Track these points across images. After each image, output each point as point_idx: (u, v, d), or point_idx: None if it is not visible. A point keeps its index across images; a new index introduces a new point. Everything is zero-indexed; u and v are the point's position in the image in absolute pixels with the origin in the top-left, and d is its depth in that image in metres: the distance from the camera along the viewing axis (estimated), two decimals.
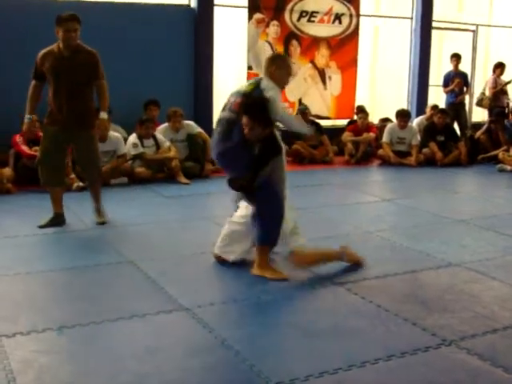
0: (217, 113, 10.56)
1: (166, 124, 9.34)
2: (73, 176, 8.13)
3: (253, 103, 4.67)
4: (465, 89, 12.35)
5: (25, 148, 8.23)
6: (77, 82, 6.01)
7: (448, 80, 12.15)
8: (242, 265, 4.98)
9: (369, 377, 3.27)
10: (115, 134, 8.76)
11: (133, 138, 8.88)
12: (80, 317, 3.97)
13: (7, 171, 8.15)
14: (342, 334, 3.78)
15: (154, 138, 8.97)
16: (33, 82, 6.13)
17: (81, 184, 8.04)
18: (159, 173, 8.86)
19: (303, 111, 10.89)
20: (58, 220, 6.32)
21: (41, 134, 8.43)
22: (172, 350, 3.56)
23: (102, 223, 6.34)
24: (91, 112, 6.21)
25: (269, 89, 4.73)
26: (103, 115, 6.27)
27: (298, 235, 4.84)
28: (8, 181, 7.94)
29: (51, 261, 5.18)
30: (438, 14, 12.94)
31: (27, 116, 6.19)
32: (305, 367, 3.33)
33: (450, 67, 12.24)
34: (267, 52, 11.24)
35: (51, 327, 3.81)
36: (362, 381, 3.22)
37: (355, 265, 4.98)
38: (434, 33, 12.92)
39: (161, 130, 9.25)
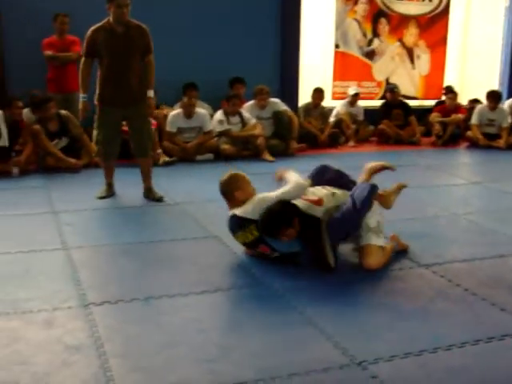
0: (303, 91, 10.69)
1: (252, 101, 9.36)
2: (160, 151, 8.26)
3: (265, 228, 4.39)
4: None
5: None
6: (131, 57, 6.09)
7: None
8: None
9: (454, 360, 3.21)
10: (201, 110, 8.86)
11: (219, 114, 8.94)
12: (166, 288, 4.04)
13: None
14: (428, 316, 3.72)
15: (240, 115, 9.01)
16: (84, 60, 6.22)
17: (167, 159, 8.17)
18: (244, 150, 8.90)
19: (392, 90, 10.72)
20: (112, 189, 6.57)
21: None
22: (256, 325, 3.59)
23: (161, 198, 6.36)
24: (143, 86, 6.22)
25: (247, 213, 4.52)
26: (150, 93, 6.30)
27: (377, 235, 4.56)
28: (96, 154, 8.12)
29: (139, 233, 5.29)
30: None
31: (83, 95, 6.23)
32: (389, 347, 3.30)
33: None
34: (355, 30, 11.14)
35: (138, 297, 3.89)
36: (447, 364, 3.17)
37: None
38: None
39: (247, 108, 9.28)
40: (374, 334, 3.48)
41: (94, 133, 6.47)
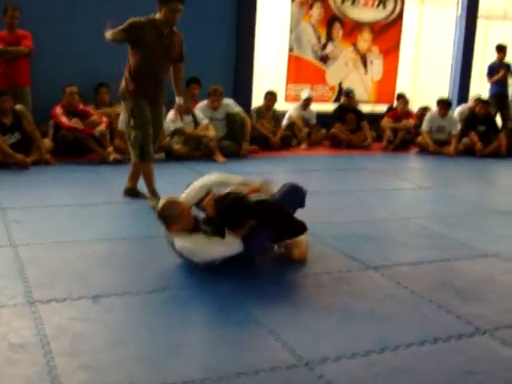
0: (257, 92, 10.70)
1: (205, 101, 9.34)
2: (110, 149, 8.19)
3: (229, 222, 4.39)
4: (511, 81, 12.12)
5: (64, 119, 8.27)
6: (168, 60, 6.03)
7: (493, 70, 11.92)
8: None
9: (401, 360, 3.25)
10: None
11: (172, 113, 8.89)
12: (116, 287, 4.01)
13: (46, 142, 8.23)
14: (375, 317, 3.76)
15: (193, 114, 8.98)
16: (120, 33, 5.79)
17: (117, 156, 8.10)
18: (196, 150, 8.87)
19: (348, 94, 10.78)
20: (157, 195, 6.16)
21: (81, 107, 8.57)
22: (204, 324, 3.60)
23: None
24: (163, 91, 6.16)
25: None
26: (180, 100, 6.31)
27: None
28: (47, 152, 8.02)
29: (89, 231, 5.22)
30: (484, 2, 12.68)
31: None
32: (336, 348, 3.33)
33: (495, 57, 12.01)
34: (310, 34, 11.20)
35: (87, 295, 3.85)
36: (393, 364, 3.20)
37: None
38: (479, 22, 12.69)
39: (200, 108, 9.25)
40: (322, 335, 3.50)
41: (133, 133, 5.99)
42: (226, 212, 4.32)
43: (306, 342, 3.39)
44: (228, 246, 4.30)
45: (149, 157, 6.07)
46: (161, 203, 4.48)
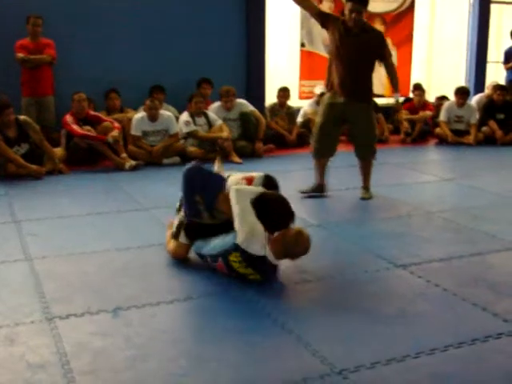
0: (269, 91, 10.53)
1: (218, 103, 9.19)
2: (124, 155, 8.06)
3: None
4: None
5: (76, 127, 8.14)
6: (359, 58, 6.09)
7: (509, 57, 11.69)
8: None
9: (439, 365, 3.08)
10: (166, 112, 8.68)
11: (185, 115, 8.75)
12: (135, 298, 3.85)
13: (59, 151, 8.11)
14: (408, 319, 3.58)
15: (206, 116, 8.83)
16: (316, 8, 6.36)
17: (133, 163, 7.96)
18: (211, 152, 8.70)
19: None
20: (319, 189, 6.51)
21: (92, 112, 8.45)
22: (230, 334, 3.41)
23: (368, 198, 6.41)
24: (369, 89, 6.34)
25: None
26: (396, 96, 6.60)
27: None
28: (60, 161, 7.89)
29: (106, 241, 5.07)
30: None
31: None
32: (371, 354, 3.15)
33: (510, 43, 11.79)
34: (320, 29, 10.99)
35: (106, 309, 3.70)
36: (431, 369, 3.03)
37: None
38: (492, 7, 12.47)
39: (213, 109, 9.11)
40: (354, 340, 3.33)
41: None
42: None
43: (338, 349, 3.22)
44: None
45: (316, 153, 6.47)
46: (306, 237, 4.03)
